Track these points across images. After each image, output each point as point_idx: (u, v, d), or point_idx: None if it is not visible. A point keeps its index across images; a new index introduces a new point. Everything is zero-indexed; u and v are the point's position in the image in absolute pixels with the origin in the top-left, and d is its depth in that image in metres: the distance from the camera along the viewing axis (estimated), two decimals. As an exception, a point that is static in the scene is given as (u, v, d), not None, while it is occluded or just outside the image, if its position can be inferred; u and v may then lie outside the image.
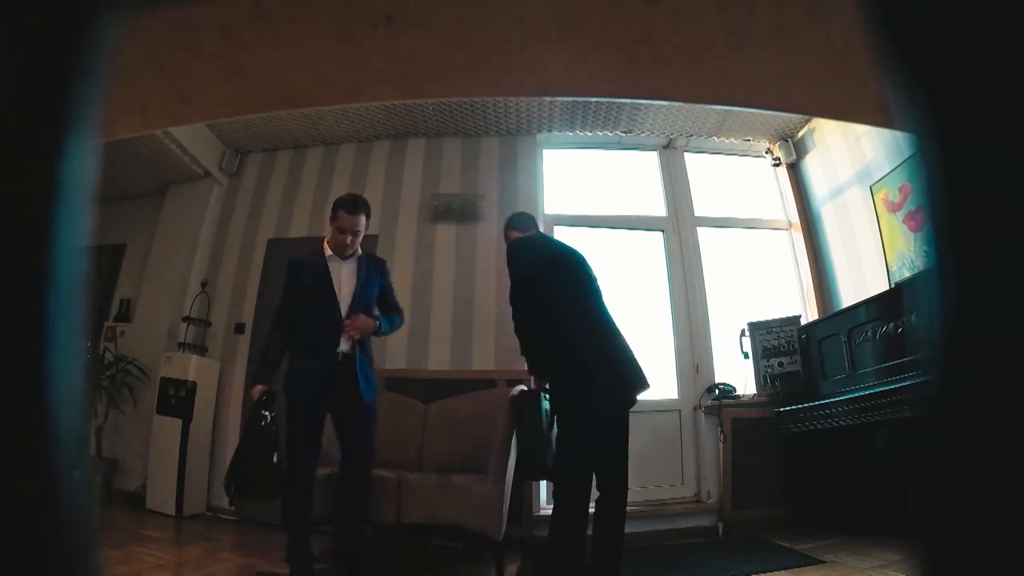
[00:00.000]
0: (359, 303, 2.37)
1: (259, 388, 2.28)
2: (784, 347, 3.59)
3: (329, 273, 2.36)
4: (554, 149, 4.35)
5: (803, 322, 3.67)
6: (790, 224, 4.25)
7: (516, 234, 2.46)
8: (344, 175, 4.27)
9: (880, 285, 3.38)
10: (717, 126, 4.18)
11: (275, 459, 2.18)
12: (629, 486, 2.20)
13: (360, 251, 2.46)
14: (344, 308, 2.34)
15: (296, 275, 2.40)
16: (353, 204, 2.38)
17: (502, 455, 2.49)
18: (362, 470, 2.31)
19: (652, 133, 4.23)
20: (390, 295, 2.56)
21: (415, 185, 4.16)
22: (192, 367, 3.70)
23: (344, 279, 2.38)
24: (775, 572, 2.41)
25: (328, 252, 2.41)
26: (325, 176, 4.29)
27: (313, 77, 0.59)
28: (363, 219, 2.38)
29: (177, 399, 3.61)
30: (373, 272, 2.46)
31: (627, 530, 2.15)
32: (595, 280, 2.31)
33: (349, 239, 2.36)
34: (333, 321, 2.31)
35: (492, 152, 4.21)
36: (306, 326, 2.33)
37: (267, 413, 2.22)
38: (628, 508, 2.21)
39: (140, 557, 2.48)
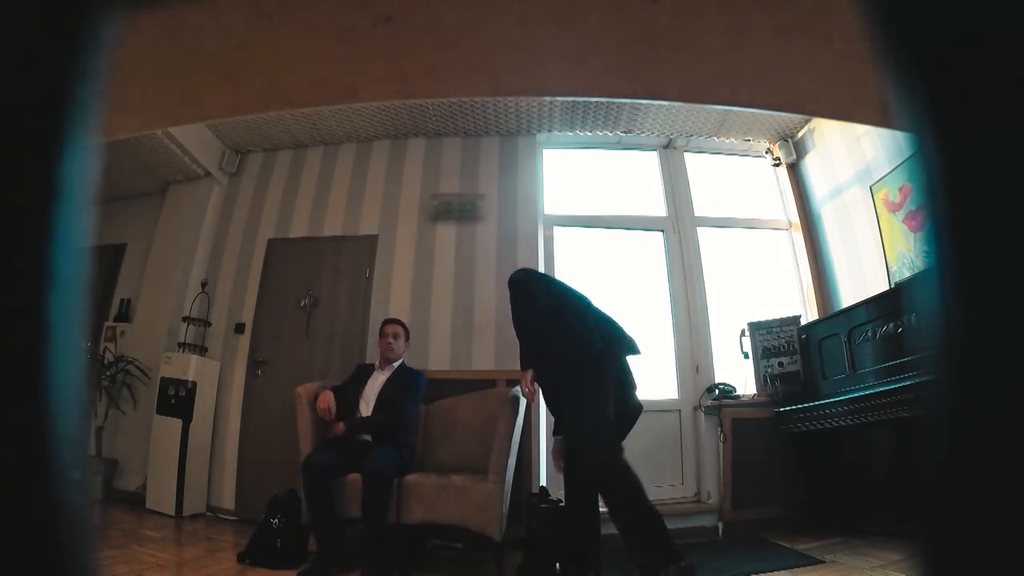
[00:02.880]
0: (382, 407, 2.83)
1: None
2: (784, 347, 3.59)
3: (367, 380, 2.96)
4: (554, 149, 4.35)
5: (803, 322, 3.67)
6: (790, 224, 4.25)
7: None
8: (344, 175, 4.27)
9: (880, 285, 3.38)
10: (717, 126, 4.18)
11: (279, 545, 2.62)
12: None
13: (395, 366, 3.00)
14: (367, 408, 2.85)
15: (355, 374, 3.04)
16: (390, 318, 3.19)
17: (502, 455, 2.49)
18: (366, 478, 2.46)
19: (652, 133, 4.23)
20: (406, 400, 2.87)
21: (415, 185, 4.16)
22: (192, 367, 3.70)
23: (377, 385, 2.93)
24: (775, 572, 2.41)
25: (376, 365, 3.03)
26: (325, 176, 4.29)
27: (312, 77, 0.59)
28: (398, 327, 3.08)
29: (177, 399, 3.61)
30: (401, 383, 2.92)
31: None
32: None
33: (390, 339, 3.00)
34: (352, 412, 2.85)
35: (492, 152, 4.21)
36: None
37: (276, 519, 2.67)
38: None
39: (140, 557, 2.48)
